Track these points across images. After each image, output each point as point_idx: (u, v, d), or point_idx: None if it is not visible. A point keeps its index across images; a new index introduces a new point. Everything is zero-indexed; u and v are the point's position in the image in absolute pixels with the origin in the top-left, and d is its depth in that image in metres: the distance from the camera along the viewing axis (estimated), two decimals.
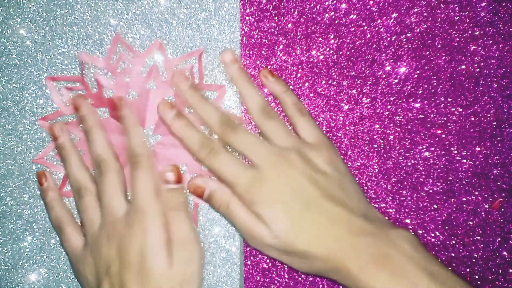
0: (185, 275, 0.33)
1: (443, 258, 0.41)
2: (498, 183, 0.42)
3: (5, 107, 0.41)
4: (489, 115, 0.42)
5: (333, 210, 0.30)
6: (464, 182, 0.42)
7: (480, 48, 0.42)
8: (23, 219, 0.41)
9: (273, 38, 0.42)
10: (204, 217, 0.41)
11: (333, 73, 0.42)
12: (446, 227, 0.42)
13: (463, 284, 0.31)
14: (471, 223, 0.42)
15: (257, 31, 0.42)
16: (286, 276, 0.41)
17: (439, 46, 0.42)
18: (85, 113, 0.39)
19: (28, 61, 0.41)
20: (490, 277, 0.41)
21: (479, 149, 0.42)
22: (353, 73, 0.42)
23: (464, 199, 0.42)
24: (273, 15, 0.42)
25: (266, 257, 0.41)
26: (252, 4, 0.42)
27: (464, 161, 0.42)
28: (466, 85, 0.42)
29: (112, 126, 0.41)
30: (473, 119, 0.42)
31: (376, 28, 0.42)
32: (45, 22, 0.41)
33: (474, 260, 0.41)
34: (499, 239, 0.41)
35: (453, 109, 0.42)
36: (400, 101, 0.42)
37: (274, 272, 0.41)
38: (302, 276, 0.40)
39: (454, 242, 0.42)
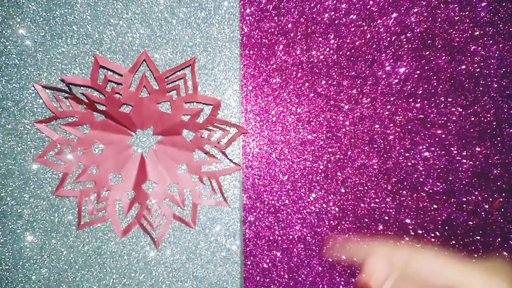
0: None
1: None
2: (498, 183, 0.42)
3: (5, 107, 0.41)
4: (489, 115, 0.42)
5: None
6: (464, 182, 0.42)
7: (480, 48, 0.42)
8: (23, 219, 0.41)
9: (273, 38, 0.42)
10: (205, 216, 0.41)
11: (333, 73, 0.42)
12: (446, 227, 0.42)
13: None
14: (471, 223, 0.42)
15: (257, 31, 0.42)
16: (286, 276, 0.41)
17: (439, 46, 0.42)
18: None
19: (28, 61, 0.41)
20: None
21: (479, 149, 0.42)
22: (353, 73, 0.42)
23: (464, 199, 0.42)
24: (273, 15, 0.42)
25: (266, 257, 0.41)
26: (252, 4, 0.42)
27: (464, 161, 0.42)
28: (466, 85, 0.42)
29: (112, 126, 0.42)
30: (473, 119, 0.42)
31: (376, 28, 0.42)
32: (44, 21, 0.41)
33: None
34: (499, 239, 0.41)
35: (453, 109, 0.42)
36: (400, 101, 0.42)
37: (274, 272, 0.41)
38: (302, 276, 0.40)
39: (454, 242, 0.42)
